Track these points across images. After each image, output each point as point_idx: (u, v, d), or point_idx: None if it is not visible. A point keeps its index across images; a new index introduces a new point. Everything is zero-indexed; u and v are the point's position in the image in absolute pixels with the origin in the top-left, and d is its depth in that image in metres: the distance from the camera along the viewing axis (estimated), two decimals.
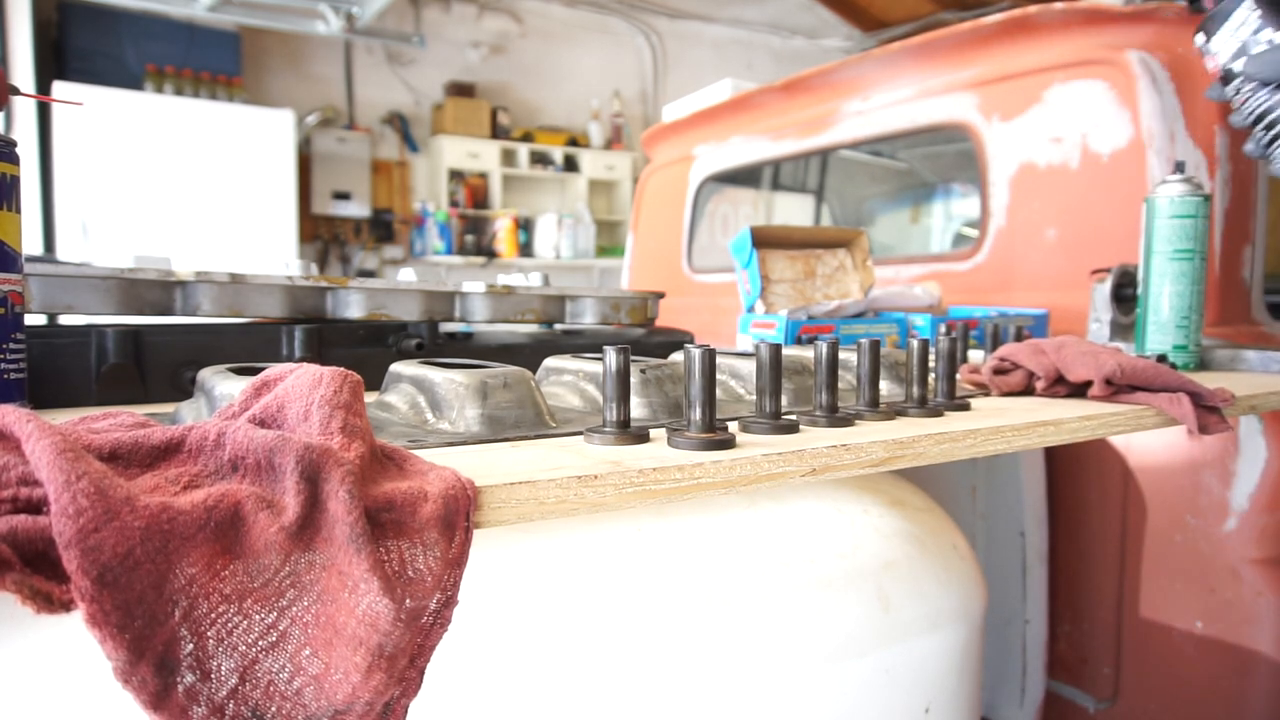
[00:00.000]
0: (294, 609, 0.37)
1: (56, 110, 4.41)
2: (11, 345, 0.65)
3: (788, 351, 0.83)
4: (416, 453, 0.49)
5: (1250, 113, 0.71)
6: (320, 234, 5.81)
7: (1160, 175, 1.43)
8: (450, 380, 0.63)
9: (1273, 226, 1.68)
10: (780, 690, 0.83)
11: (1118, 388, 0.84)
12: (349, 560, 0.38)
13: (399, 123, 6.04)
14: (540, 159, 6.42)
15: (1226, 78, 0.72)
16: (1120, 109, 1.51)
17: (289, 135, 5.01)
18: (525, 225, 6.45)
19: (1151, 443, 1.40)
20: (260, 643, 0.36)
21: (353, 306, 0.99)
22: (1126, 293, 1.29)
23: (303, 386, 0.47)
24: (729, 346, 0.98)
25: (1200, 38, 0.74)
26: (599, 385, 0.74)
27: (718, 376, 0.73)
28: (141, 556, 0.34)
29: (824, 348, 0.69)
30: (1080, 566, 1.49)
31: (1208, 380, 0.90)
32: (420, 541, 0.40)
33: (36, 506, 0.35)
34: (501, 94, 6.39)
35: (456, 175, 6.15)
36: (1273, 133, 0.70)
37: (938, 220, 2.70)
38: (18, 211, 0.65)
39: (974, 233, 1.85)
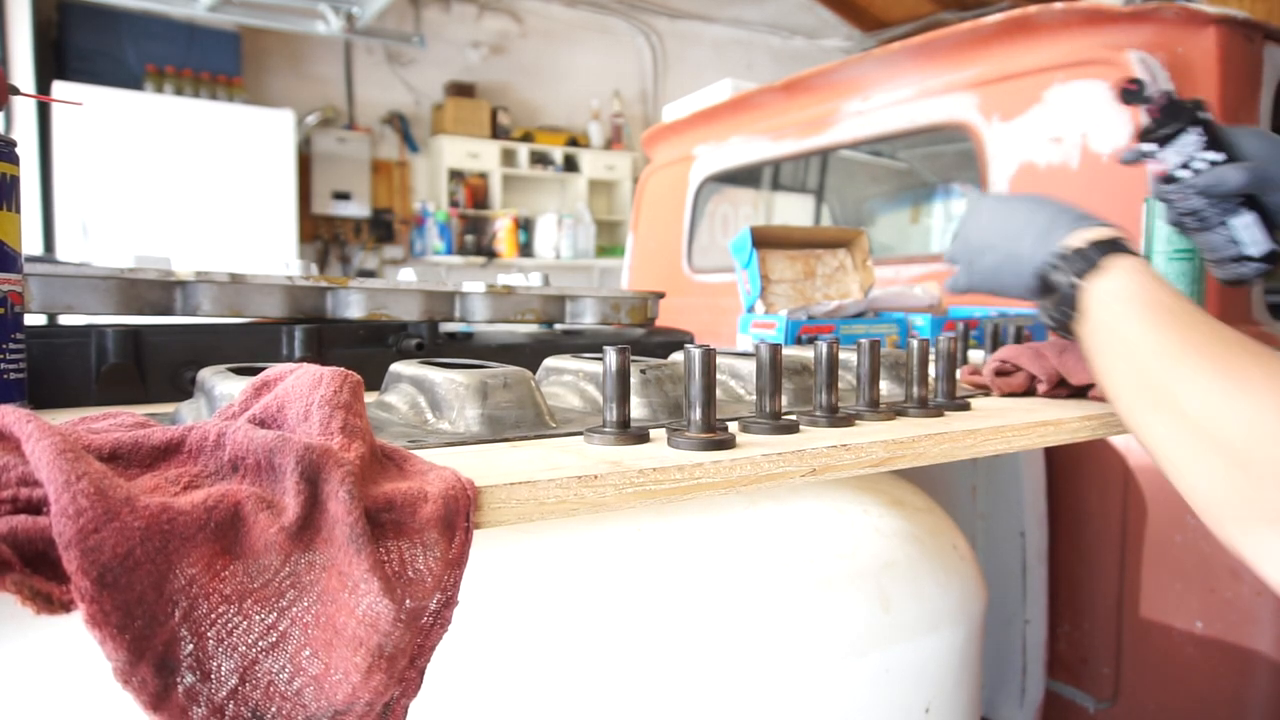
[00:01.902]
0: (294, 609, 0.37)
1: (56, 110, 4.41)
2: (11, 345, 0.65)
3: (788, 351, 0.83)
4: (416, 453, 0.49)
5: (1184, 210, 0.90)
6: (320, 234, 5.81)
7: None
8: (450, 380, 0.63)
9: None
10: (780, 690, 0.83)
11: None
12: (349, 560, 0.38)
13: (399, 123, 6.04)
14: (540, 159, 6.42)
15: (1169, 179, 0.90)
16: (1120, 109, 1.51)
17: (289, 135, 5.01)
18: (525, 225, 6.44)
19: None
20: (260, 643, 0.36)
21: (353, 306, 0.99)
22: None
23: (303, 387, 0.47)
24: (729, 346, 0.98)
25: (1151, 146, 0.91)
26: (599, 385, 0.74)
27: (718, 376, 0.73)
28: (141, 557, 0.34)
29: (824, 348, 0.69)
30: (1080, 566, 1.49)
31: None
32: (420, 542, 0.40)
33: (36, 507, 0.35)
34: (501, 94, 6.39)
35: (456, 175, 6.15)
36: (1200, 222, 0.90)
37: (938, 220, 2.70)
38: (18, 211, 0.65)
39: None
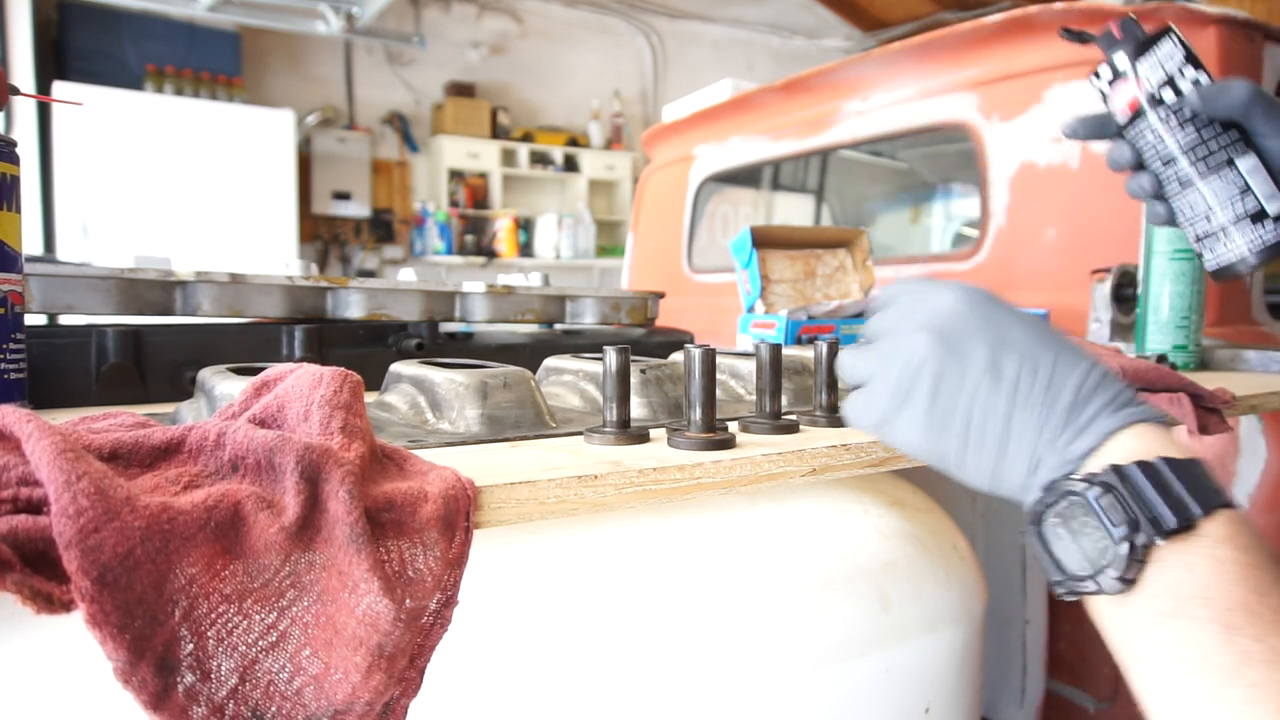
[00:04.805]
0: (294, 609, 0.37)
1: (56, 110, 4.41)
2: (11, 345, 0.65)
3: (788, 351, 0.83)
4: (416, 453, 0.49)
5: (1170, 150, 0.65)
6: (320, 234, 5.81)
7: None
8: (450, 380, 0.63)
9: None
10: (780, 690, 0.83)
11: None
12: (349, 560, 0.38)
13: (399, 123, 6.04)
14: (540, 159, 6.42)
15: (1139, 113, 0.66)
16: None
17: (289, 135, 5.01)
18: (525, 225, 6.44)
19: None
20: (260, 643, 0.37)
21: (353, 306, 0.99)
22: (1126, 293, 1.29)
23: (303, 386, 0.47)
24: (729, 346, 0.98)
25: (1121, 59, 0.66)
26: (599, 385, 0.74)
27: (718, 376, 0.73)
28: (142, 557, 0.34)
29: (824, 348, 0.69)
30: None
31: (1208, 380, 0.90)
32: (420, 541, 0.40)
33: (37, 507, 0.35)
34: (501, 94, 6.39)
35: (456, 175, 6.15)
36: (1199, 161, 0.63)
37: (938, 220, 2.70)
38: (18, 211, 0.65)
39: (974, 233, 1.85)
